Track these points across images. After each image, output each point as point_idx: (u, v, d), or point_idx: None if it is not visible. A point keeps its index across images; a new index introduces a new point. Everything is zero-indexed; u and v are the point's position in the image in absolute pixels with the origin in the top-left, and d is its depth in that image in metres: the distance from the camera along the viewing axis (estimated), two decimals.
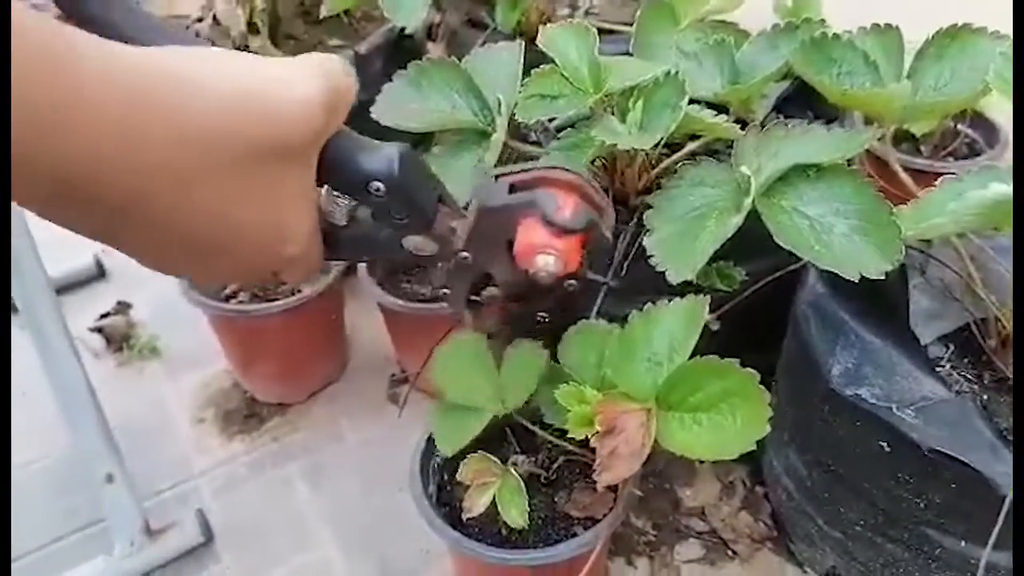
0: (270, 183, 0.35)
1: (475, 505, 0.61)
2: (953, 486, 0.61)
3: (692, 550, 0.83)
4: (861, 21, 1.07)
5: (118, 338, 1.11)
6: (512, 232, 0.44)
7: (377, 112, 0.77)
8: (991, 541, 0.57)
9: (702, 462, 0.92)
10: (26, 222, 0.82)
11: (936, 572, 0.69)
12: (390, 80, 0.99)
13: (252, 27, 1.20)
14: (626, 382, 0.59)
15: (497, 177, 0.45)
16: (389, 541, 0.86)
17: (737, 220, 0.58)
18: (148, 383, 1.07)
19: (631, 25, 0.88)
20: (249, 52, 1.20)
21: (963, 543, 0.65)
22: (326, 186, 0.42)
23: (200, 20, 1.06)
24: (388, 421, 1.00)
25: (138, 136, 0.29)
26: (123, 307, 1.16)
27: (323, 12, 0.98)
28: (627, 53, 0.86)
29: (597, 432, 0.54)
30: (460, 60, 1.11)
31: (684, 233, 0.62)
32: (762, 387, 0.55)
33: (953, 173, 1.08)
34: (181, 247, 0.35)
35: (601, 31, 1.08)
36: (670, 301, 0.59)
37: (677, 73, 0.66)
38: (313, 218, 0.40)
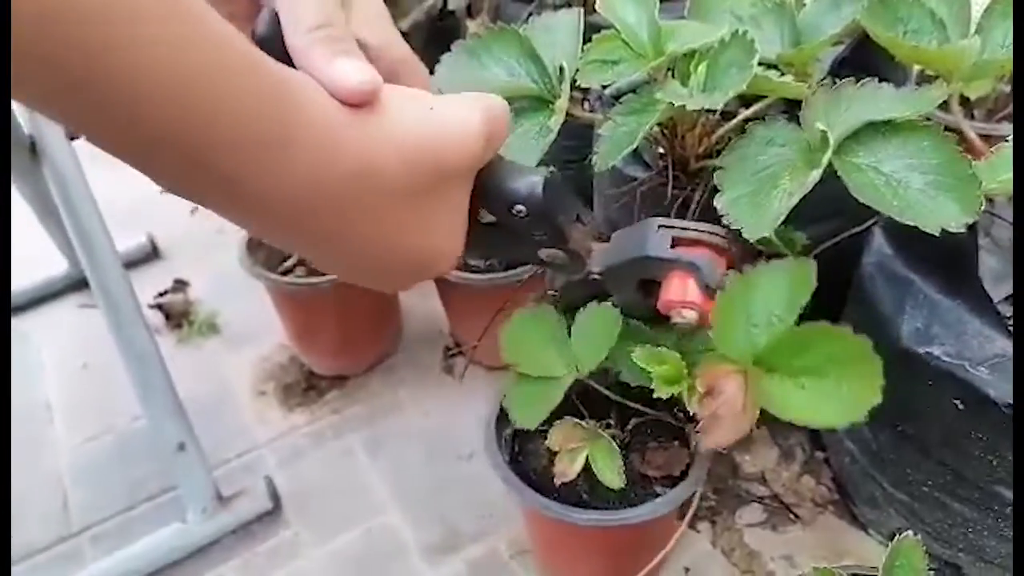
0: (432, 211, 0.39)
1: (568, 470, 0.62)
2: None
3: (753, 514, 0.83)
4: None
5: (177, 315, 1.13)
6: (660, 277, 0.49)
7: (436, 83, 0.77)
8: None
9: (759, 427, 0.92)
10: (94, 202, 0.84)
11: (1006, 530, 0.69)
12: (430, 58, 0.98)
13: None
14: (725, 344, 0.58)
15: (660, 227, 0.50)
16: (452, 507, 0.87)
17: (815, 176, 0.57)
18: (208, 358, 1.10)
19: None
20: None
21: None
22: None
23: None
24: (445, 392, 1.01)
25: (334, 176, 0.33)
26: (181, 285, 1.18)
27: None
28: (681, 18, 0.86)
29: (699, 394, 0.54)
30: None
31: (757, 191, 0.62)
32: (876, 355, 0.53)
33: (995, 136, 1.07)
34: (347, 261, 0.39)
35: None
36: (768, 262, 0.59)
37: (746, 32, 0.66)
38: (464, 236, 0.43)
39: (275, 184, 0.31)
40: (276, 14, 0.37)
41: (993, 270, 0.73)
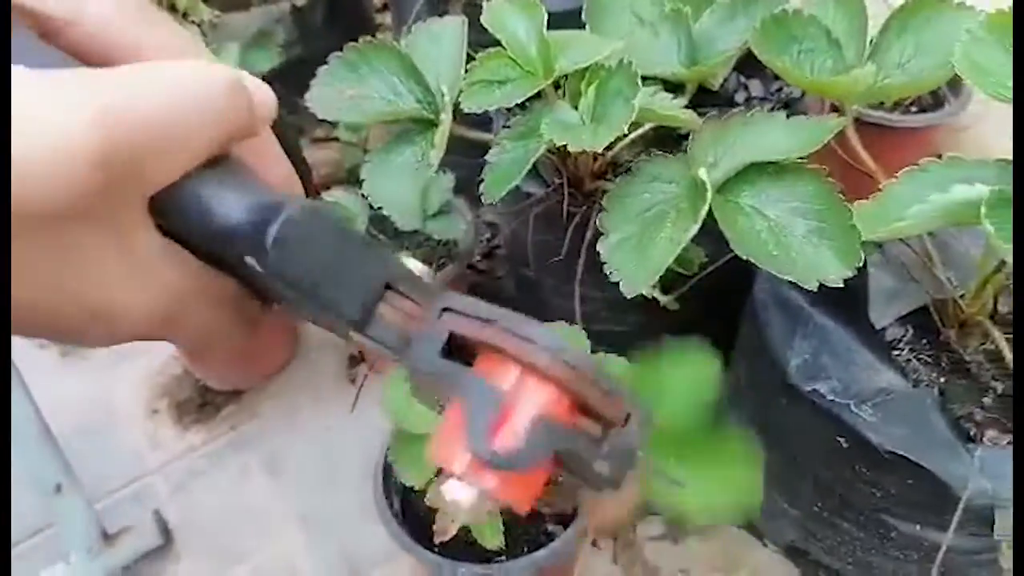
0: (51, 254, 0.24)
1: (449, 528, 0.60)
2: (909, 482, 0.62)
3: (654, 528, 0.84)
4: None
5: None
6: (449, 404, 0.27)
7: (313, 101, 0.72)
8: (951, 530, 0.59)
9: None
10: None
11: (891, 550, 0.70)
12: (330, 36, 0.89)
13: None
14: None
15: (443, 311, 0.25)
16: (353, 532, 0.85)
17: (694, 228, 0.55)
18: (96, 372, 1.04)
19: None
20: (176, 12, 1.12)
21: (917, 527, 0.66)
22: None
23: None
24: (347, 402, 0.98)
25: None
26: None
27: None
28: (580, 8, 0.81)
29: None
30: (404, 17, 1.05)
31: (640, 236, 0.59)
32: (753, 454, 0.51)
33: (918, 128, 1.06)
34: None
35: None
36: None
37: (630, 63, 0.62)
38: (157, 291, 0.26)
39: None
40: None
41: (887, 289, 0.73)
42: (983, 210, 0.50)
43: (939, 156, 0.63)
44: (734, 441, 0.48)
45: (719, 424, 0.48)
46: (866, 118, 1.04)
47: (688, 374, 0.49)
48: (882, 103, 1.11)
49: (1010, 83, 0.57)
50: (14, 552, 0.85)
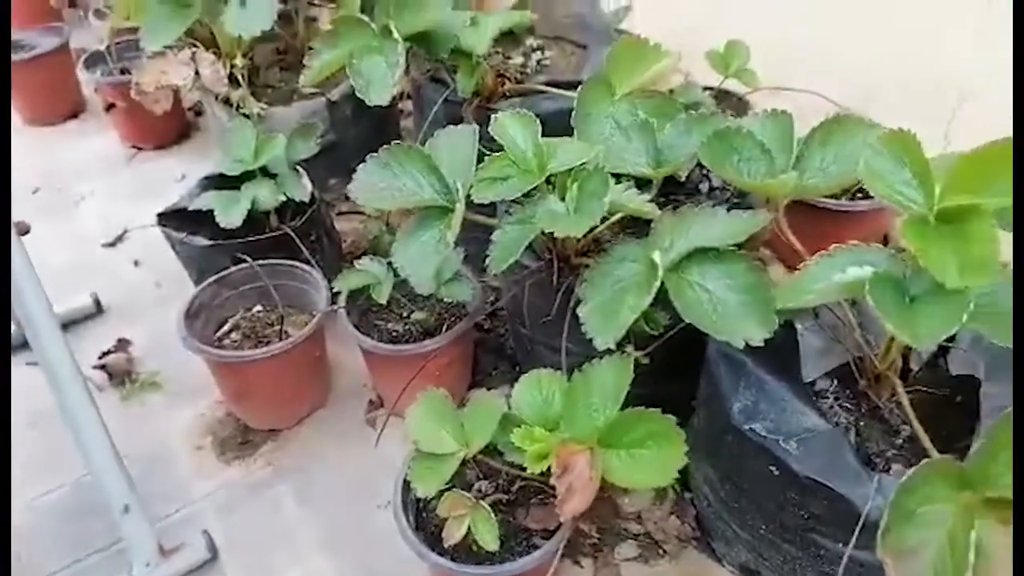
0: None
1: (454, 534, 0.75)
2: (825, 502, 0.76)
3: (630, 550, 0.98)
4: (784, 71, 1.23)
5: (120, 374, 1.22)
6: None
7: (353, 192, 0.90)
8: (852, 541, 0.73)
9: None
10: (29, 260, 0.88)
11: (824, 567, 0.84)
12: (358, 126, 1.06)
13: (232, 80, 1.31)
14: (572, 429, 0.74)
15: None
16: (373, 551, 0.99)
17: (649, 298, 0.72)
18: (151, 415, 1.19)
19: (578, 86, 1.01)
20: (231, 104, 1.31)
21: (840, 544, 0.80)
22: None
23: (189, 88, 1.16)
24: (367, 441, 1.13)
25: None
26: (123, 344, 1.27)
27: (302, 82, 1.09)
28: (571, 110, 0.99)
29: (554, 473, 0.69)
30: (424, 113, 1.25)
31: (609, 304, 0.76)
32: (679, 428, 0.71)
33: (867, 210, 1.22)
34: None
35: (555, 84, 1.22)
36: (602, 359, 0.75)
37: (603, 167, 0.80)
38: None
39: None
40: None
41: (817, 348, 0.89)
42: (867, 287, 0.67)
43: (885, 236, 0.79)
44: (659, 420, 0.66)
45: (647, 413, 0.66)
46: (821, 204, 1.21)
47: (610, 371, 0.68)
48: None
49: (900, 187, 0.74)
50: (85, 564, 1.00)
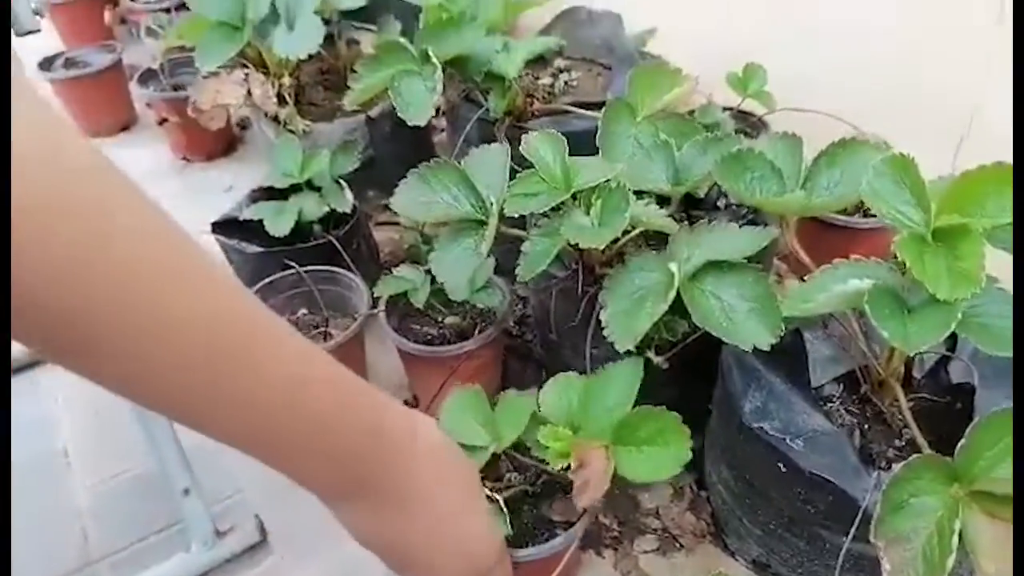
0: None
1: None
2: (830, 498, 0.82)
3: (648, 543, 1.04)
4: (801, 91, 1.30)
5: None
6: None
7: (395, 205, 0.98)
8: (850, 534, 0.79)
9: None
10: None
11: (829, 560, 0.90)
12: (395, 144, 1.14)
13: (281, 99, 1.41)
14: (589, 427, 0.81)
15: None
16: None
17: (666, 306, 0.79)
18: None
19: (603, 106, 1.09)
20: (279, 121, 1.40)
21: (843, 538, 0.86)
22: None
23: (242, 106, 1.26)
24: None
25: None
26: None
27: (346, 103, 1.18)
28: (595, 129, 1.07)
29: (571, 467, 0.76)
30: (458, 131, 1.33)
31: (628, 311, 0.83)
32: (684, 425, 0.78)
33: (875, 228, 1.28)
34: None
35: (581, 105, 1.29)
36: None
37: (625, 184, 0.87)
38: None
39: None
40: None
41: (826, 356, 0.95)
42: (866, 298, 0.73)
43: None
44: (665, 417, 0.72)
45: (655, 411, 0.73)
46: (831, 220, 1.27)
47: (624, 373, 0.75)
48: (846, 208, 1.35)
49: (899, 207, 0.80)
50: (147, 543, 1.09)
